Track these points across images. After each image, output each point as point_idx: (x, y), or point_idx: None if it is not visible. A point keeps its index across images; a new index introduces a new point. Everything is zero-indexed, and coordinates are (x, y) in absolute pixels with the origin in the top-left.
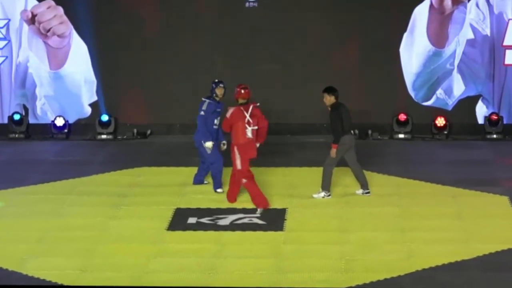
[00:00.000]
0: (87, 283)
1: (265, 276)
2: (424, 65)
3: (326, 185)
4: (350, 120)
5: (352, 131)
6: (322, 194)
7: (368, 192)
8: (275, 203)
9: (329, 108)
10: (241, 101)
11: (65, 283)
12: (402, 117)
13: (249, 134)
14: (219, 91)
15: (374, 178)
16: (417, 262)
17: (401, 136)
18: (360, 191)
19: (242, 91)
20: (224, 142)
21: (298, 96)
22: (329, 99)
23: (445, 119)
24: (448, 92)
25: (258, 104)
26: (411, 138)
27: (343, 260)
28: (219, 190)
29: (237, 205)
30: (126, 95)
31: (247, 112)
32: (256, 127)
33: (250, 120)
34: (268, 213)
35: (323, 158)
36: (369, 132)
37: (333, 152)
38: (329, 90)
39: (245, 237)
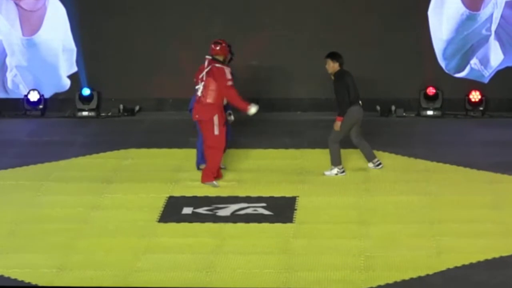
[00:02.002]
0: (65, 283)
1: (272, 275)
2: (457, 31)
3: (336, 160)
4: (357, 89)
5: (360, 102)
6: (335, 170)
7: (377, 161)
8: (284, 191)
9: (332, 77)
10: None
11: (40, 283)
12: (431, 91)
13: (199, 92)
14: None
15: (398, 161)
16: (448, 259)
17: (430, 113)
18: (371, 164)
19: (218, 47)
20: (230, 112)
21: (310, 66)
22: (333, 66)
23: (481, 93)
24: (484, 62)
25: (218, 65)
26: (441, 116)
27: (362, 257)
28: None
29: (239, 192)
30: (111, 65)
31: (207, 67)
32: (201, 86)
33: (204, 77)
34: (276, 203)
35: None
36: (393, 108)
37: (337, 125)
38: (333, 56)
39: (249, 230)
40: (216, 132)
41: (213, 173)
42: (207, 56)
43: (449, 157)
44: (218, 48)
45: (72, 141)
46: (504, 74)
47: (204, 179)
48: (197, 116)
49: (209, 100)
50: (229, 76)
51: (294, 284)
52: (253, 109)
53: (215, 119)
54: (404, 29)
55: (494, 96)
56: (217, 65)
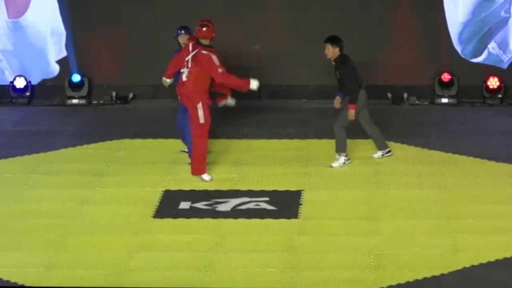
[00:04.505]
0: (54, 283)
1: (275, 275)
2: (473, 13)
3: (341, 147)
4: (359, 72)
5: (362, 85)
6: (342, 159)
7: (389, 151)
8: (288, 184)
9: (333, 63)
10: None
11: (27, 283)
12: (446, 77)
13: (184, 76)
14: (181, 40)
15: (411, 152)
16: (465, 258)
17: (445, 100)
18: (379, 153)
19: (204, 28)
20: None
21: (316, 50)
22: (333, 51)
23: (499, 80)
24: (503, 46)
25: (205, 52)
26: (457, 103)
27: (372, 255)
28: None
29: (240, 186)
30: (103, 50)
31: (192, 51)
32: (186, 71)
33: (189, 62)
34: (280, 197)
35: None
36: (405, 95)
37: (352, 114)
38: (333, 40)
39: (251, 226)
40: (202, 120)
41: (201, 164)
42: (189, 38)
43: (466, 148)
44: (204, 29)
45: (61, 131)
46: None
47: (195, 171)
48: (180, 99)
49: (193, 87)
50: (217, 62)
51: (299, 284)
52: (255, 84)
53: (199, 107)
54: (417, 10)
55: None
56: (203, 51)
